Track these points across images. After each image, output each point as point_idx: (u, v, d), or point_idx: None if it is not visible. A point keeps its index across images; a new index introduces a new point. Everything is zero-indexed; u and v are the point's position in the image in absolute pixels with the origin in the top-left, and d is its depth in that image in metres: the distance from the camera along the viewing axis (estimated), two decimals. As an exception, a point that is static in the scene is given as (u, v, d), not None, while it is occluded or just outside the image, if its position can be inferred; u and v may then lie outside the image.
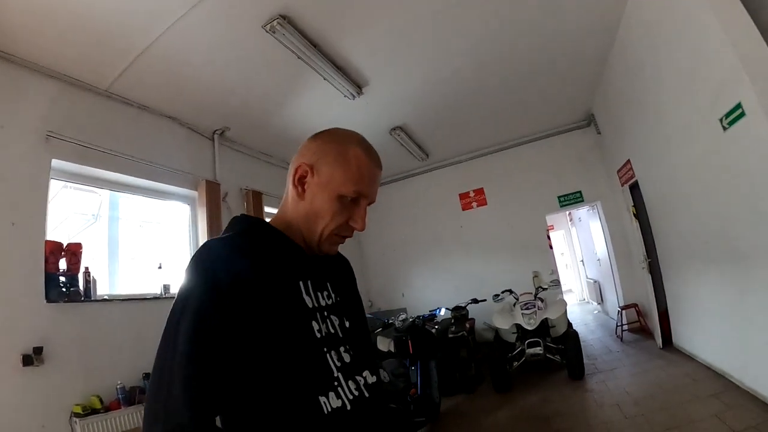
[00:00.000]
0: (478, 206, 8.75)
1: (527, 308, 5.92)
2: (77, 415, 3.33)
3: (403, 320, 5.65)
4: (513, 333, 5.97)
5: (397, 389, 4.77)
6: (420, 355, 5.08)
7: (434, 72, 5.30)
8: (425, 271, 8.93)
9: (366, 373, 1.08)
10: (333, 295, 1.11)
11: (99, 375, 3.68)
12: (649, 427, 3.80)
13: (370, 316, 6.33)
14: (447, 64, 5.19)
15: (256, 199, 5.74)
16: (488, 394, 5.61)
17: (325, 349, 1.00)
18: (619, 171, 6.99)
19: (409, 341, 5.00)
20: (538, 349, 5.55)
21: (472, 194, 8.79)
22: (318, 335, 1.00)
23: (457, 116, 6.77)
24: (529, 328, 5.69)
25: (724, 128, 3.60)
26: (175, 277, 4.80)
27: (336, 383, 0.98)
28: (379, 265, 9.25)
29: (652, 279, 6.29)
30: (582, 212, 10.30)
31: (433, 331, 6.06)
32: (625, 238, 7.62)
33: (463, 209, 8.82)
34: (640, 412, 4.18)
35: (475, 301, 6.91)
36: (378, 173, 1.10)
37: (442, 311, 6.77)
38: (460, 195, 8.85)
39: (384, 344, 5.39)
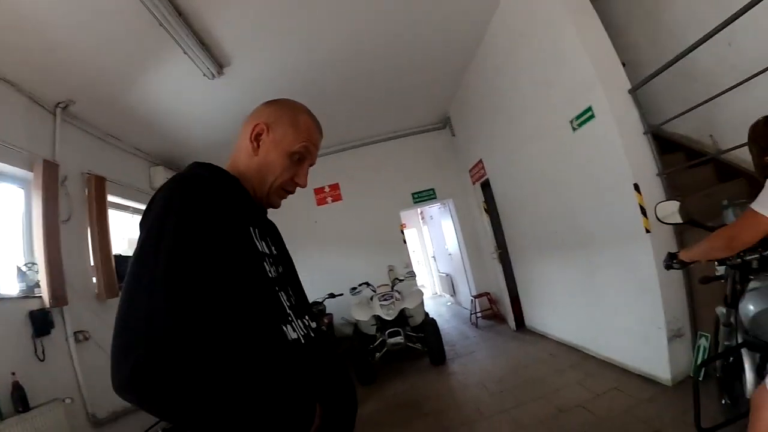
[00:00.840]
0: (333, 201, 8.73)
1: (385, 299, 6.08)
2: None
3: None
4: (372, 325, 6.08)
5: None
6: None
7: (298, 61, 5.12)
8: None
9: (307, 318, 1.21)
10: (272, 247, 1.22)
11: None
12: (516, 400, 4.11)
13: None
14: (312, 54, 5.05)
15: (99, 184, 4.98)
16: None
17: (277, 288, 1.12)
18: (471, 170, 7.58)
19: None
20: (399, 339, 5.72)
21: (327, 189, 8.73)
22: (270, 275, 1.11)
23: (317, 109, 6.33)
24: (389, 318, 5.84)
25: (574, 129, 4.10)
26: (5, 275, 3.94)
27: (290, 318, 1.10)
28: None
29: (503, 268, 6.90)
30: (434, 210, 10.94)
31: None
32: (476, 233, 8.28)
33: (318, 204, 8.71)
34: (504, 387, 4.52)
35: (332, 295, 6.87)
36: (320, 139, 1.32)
37: None
38: (315, 190, 8.70)
39: None
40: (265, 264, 1.10)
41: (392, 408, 4.73)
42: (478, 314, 7.76)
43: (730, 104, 3.37)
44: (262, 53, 4.79)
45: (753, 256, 1.98)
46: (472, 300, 7.94)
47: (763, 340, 1.81)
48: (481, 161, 6.98)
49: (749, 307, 1.90)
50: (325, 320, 6.57)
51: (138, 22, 3.70)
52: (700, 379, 3.27)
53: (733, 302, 2.13)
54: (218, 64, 4.64)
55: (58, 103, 4.57)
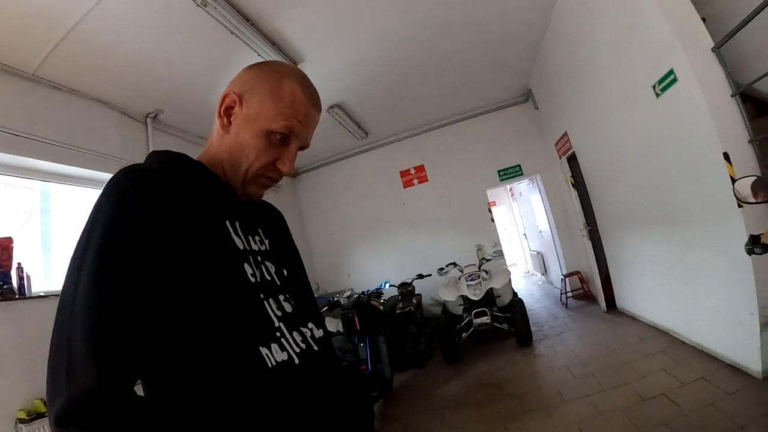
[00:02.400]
0: (419, 183, 8.79)
1: (472, 279, 6.01)
2: (22, 420, 3.10)
3: (348, 297, 5.60)
4: (459, 305, 6.06)
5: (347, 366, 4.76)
6: (368, 330, 4.98)
7: (372, 48, 5.18)
8: (369, 250, 8.91)
9: (311, 326, 0.99)
10: (266, 241, 1.01)
11: (41, 376, 3.35)
12: (599, 386, 3.94)
13: (317, 297, 6.23)
14: (385, 40, 5.08)
15: (192, 184, 5.49)
16: (440, 367, 5.65)
17: (262, 296, 0.90)
18: (556, 143, 7.21)
19: (356, 317, 4.92)
20: (485, 319, 5.65)
21: (413, 171, 8.80)
22: (252, 279, 0.89)
23: (397, 93, 6.68)
24: (475, 298, 5.78)
25: (657, 95, 3.76)
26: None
27: (278, 334, 0.88)
28: (324, 247, 9.12)
29: (593, 246, 6.55)
30: (523, 187, 10.60)
31: (381, 308, 6.03)
32: (565, 209, 7.92)
33: (405, 186, 8.83)
34: (589, 371, 4.34)
35: (420, 276, 6.93)
36: (315, 115, 0.99)
37: (387, 285, 6.76)
38: (401, 172, 8.83)
39: (333, 324, 5.25)
40: (246, 265, 0.90)
41: (475, 387, 4.73)
42: (569, 294, 7.46)
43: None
44: (334, 45, 4.91)
45: None
46: (562, 279, 7.64)
47: None
48: (566, 134, 6.62)
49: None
50: (414, 300, 6.65)
51: (211, 33, 4.00)
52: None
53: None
54: (293, 61, 4.82)
55: (148, 113, 5.09)
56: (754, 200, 2.03)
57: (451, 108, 8.13)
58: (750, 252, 1.97)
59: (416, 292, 7.13)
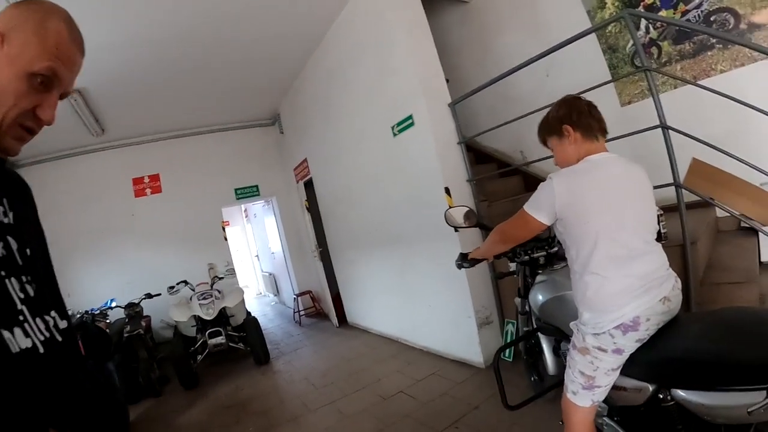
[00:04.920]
0: (152, 193, 7.96)
1: (204, 298, 5.79)
2: None
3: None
4: (192, 326, 5.75)
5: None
6: (93, 356, 4.27)
7: (128, 35, 4.46)
8: (94, 265, 7.55)
9: (54, 314, 0.89)
10: (9, 214, 0.87)
11: None
12: (341, 392, 4.27)
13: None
14: (143, 30, 4.44)
15: None
16: (177, 394, 5.24)
17: (3, 274, 0.78)
18: (296, 168, 7.64)
19: (79, 341, 4.16)
20: (220, 339, 5.51)
21: (147, 180, 7.93)
22: None
23: (145, 92, 5.93)
24: (209, 318, 5.57)
25: (395, 134, 4.40)
26: None
27: (21, 318, 0.78)
28: (41, 261, 7.39)
29: (324, 266, 7.09)
30: (258, 208, 10.67)
31: (107, 330, 5.27)
32: (298, 231, 8.34)
33: (137, 196, 7.88)
34: (329, 381, 4.66)
35: (149, 296, 6.26)
36: (79, 60, 0.95)
37: (113, 304, 5.98)
38: (134, 180, 7.86)
39: None
40: None
41: (219, 411, 4.54)
42: (302, 312, 7.84)
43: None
44: (88, 17, 4.08)
45: (540, 254, 2.33)
46: (295, 298, 7.98)
47: (553, 325, 2.16)
48: (306, 160, 7.06)
49: (538, 297, 2.24)
50: (143, 322, 5.95)
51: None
52: (510, 360, 3.83)
53: (525, 293, 2.46)
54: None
55: None
56: (464, 225, 2.52)
57: (198, 119, 7.70)
58: (460, 267, 2.38)
59: (144, 314, 6.44)
